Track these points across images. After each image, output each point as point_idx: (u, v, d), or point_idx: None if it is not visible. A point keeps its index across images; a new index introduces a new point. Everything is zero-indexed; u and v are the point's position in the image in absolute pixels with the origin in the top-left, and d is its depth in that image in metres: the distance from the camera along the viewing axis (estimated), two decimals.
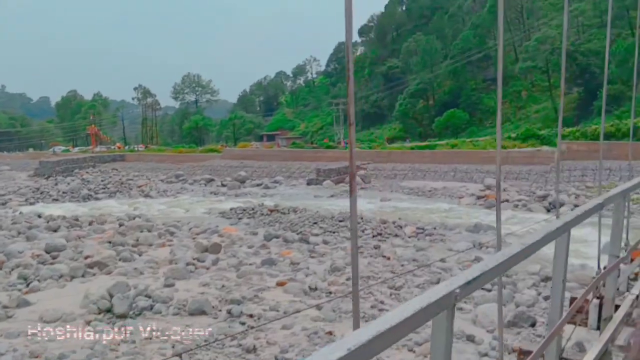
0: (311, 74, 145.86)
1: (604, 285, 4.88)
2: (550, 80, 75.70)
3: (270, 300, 14.65)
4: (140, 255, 20.71)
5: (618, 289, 5.21)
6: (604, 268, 4.89)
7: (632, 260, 5.80)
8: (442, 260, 20.72)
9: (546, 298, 14.16)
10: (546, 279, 16.30)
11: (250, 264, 18.74)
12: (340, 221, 27.19)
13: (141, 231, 25.03)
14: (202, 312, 13.68)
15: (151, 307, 13.86)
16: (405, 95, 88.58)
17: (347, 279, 16.77)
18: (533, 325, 12.44)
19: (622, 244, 5.56)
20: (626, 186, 5.28)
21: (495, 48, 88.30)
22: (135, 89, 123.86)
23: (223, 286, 15.89)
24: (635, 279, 5.95)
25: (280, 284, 15.96)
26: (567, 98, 75.55)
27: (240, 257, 20.07)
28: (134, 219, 29.98)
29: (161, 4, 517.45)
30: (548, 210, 32.33)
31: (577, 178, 40.57)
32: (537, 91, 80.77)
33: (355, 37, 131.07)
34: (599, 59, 71.95)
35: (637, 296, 5.32)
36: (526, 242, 2.84)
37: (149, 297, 14.39)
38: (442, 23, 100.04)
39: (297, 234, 25.08)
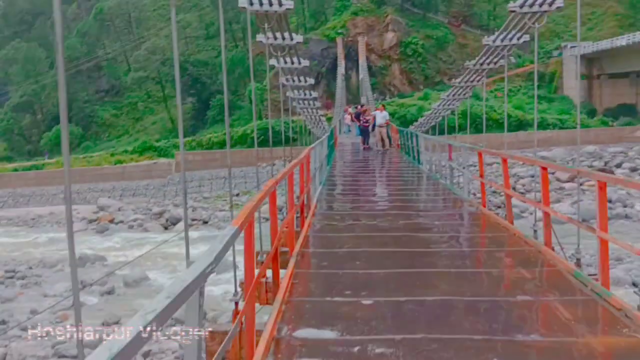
0: None
1: None
2: (165, 90, 75.07)
3: None
4: None
5: None
6: None
7: None
8: (35, 312, 16.51)
9: None
10: None
11: None
12: None
13: None
14: None
15: None
16: (7, 109, 78.02)
17: None
18: None
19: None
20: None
21: (106, 57, 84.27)
22: None
23: None
24: None
25: None
26: (183, 108, 75.95)
27: None
28: None
29: None
30: (166, 228, 30.15)
31: (194, 189, 39.63)
32: (153, 102, 79.48)
33: None
34: (208, 70, 74.07)
35: None
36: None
37: None
38: (44, 30, 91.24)
39: None
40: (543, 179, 7.63)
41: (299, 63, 11.53)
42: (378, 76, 66.48)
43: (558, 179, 32.56)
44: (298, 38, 9.52)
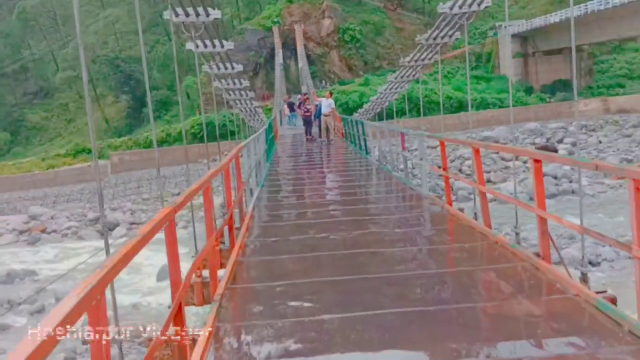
0: None
1: None
2: (97, 90, 72.10)
3: None
4: None
5: None
6: None
7: None
8: None
9: None
10: None
11: None
12: None
13: None
14: None
15: None
16: None
17: None
18: None
19: None
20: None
21: (32, 58, 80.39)
22: None
23: None
24: None
25: None
26: (117, 107, 73.24)
27: None
28: None
29: None
30: (102, 234, 28.46)
31: (133, 191, 37.90)
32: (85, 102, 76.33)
33: None
34: (141, 65, 71.58)
35: None
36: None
37: None
38: None
39: None
40: (536, 175, 5.73)
41: (222, 46, 10.02)
42: (317, 64, 65.51)
43: (503, 158, 32.46)
44: (215, 13, 8.04)
